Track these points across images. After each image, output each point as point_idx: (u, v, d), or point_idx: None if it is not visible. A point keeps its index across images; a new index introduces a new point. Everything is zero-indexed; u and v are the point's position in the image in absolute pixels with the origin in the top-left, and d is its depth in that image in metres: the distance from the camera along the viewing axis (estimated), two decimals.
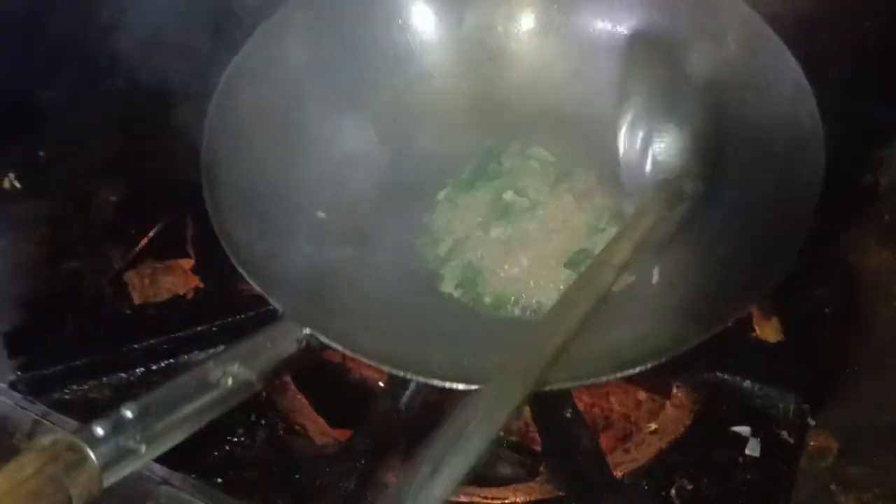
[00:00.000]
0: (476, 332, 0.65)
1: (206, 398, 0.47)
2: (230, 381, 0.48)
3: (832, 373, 0.66)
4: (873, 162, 0.81)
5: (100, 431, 0.42)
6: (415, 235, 0.72)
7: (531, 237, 0.70)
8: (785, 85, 0.64)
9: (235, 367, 0.48)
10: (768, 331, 0.68)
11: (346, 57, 0.74)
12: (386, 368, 0.54)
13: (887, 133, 0.82)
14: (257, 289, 0.54)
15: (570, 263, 0.68)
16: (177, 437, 0.46)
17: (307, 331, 0.52)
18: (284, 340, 0.51)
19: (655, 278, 0.66)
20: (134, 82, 0.71)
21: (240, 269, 0.55)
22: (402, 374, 0.53)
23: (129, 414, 0.43)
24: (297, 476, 0.61)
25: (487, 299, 0.68)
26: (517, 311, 0.67)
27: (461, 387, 0.52)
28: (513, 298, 0.67)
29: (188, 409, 0.46)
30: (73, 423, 0.58)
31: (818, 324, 0.69)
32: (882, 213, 0.79)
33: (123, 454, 0.42)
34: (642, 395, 0.77)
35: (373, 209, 0.71)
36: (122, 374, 0.65)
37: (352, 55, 0.74)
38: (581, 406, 0.71)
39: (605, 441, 0.67)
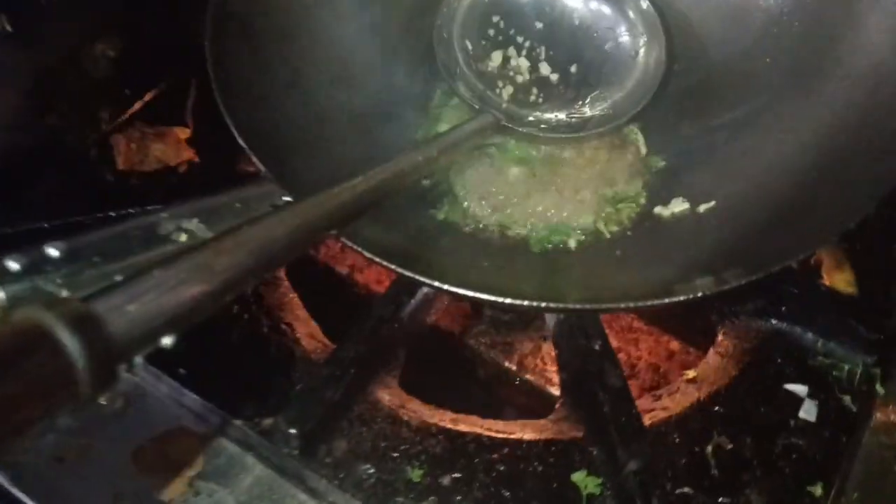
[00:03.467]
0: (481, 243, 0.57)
1: (150, 252, 0.38)
2: (183, 237, 0.39)
3: None
4: None
5: (13, 266, 0.34)
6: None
7: None
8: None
9: (193, 223, 0.40)
10: (839, 280, 0.59)
11: None
12: (375, 258, 0.45)
13: None
14: (242, 142, 0.46)
15: None
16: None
17: (287, 197, 0.43)
18: (259, 203, 0.43)
19: (706, 206, 0.56)
20: None
21: (235, 133, 0.47)
22: (404, 272, 0.45)
23: (53, 252, 0.35)
24: (273, 379, 0.53)
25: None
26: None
27: (469, 293, 0.43)
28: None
29: (128, 259, 0.37)
30: None
31: (894, 283, 0.60)
32: None
33: (39, 296, 0.34)
34: (675, 344, 0.68)
35: (377, 101, 0.62)
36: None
37: None
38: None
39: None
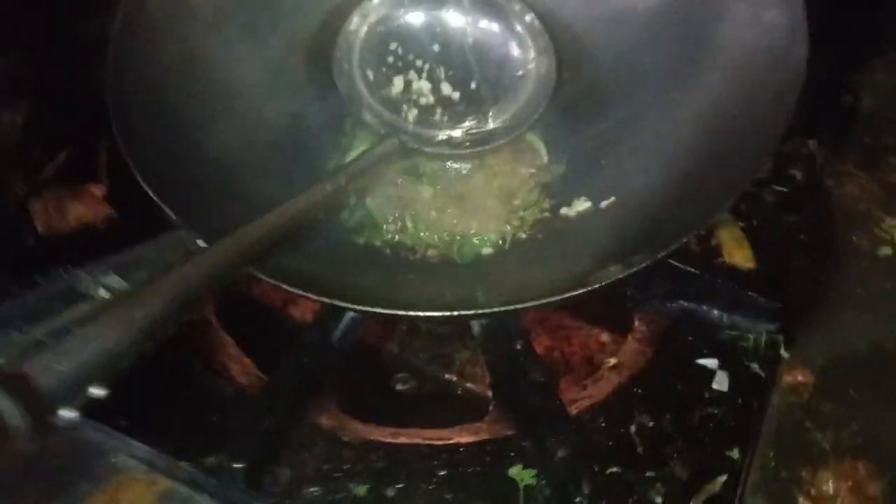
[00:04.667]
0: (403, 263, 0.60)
1: (73, 311, 0.40)
2: (103, 293, 0.41)
3: (806, 303, 0.61)
4: (853, 83, 0.76)
5: None
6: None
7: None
8: None
9: (112, 279, 0.41)
10: (740, 258, 0.63)
11: None
12: (308, 295, 0.47)
13: (867, 53, 0.77)
14: (149, 191, 0.48)
15: None
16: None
17: (201, 243, 0.45)
18: (174, 252, 0.44)
19: (607, 202, 0.60)
20: None
21: (134, 170, 0.49)
22: (326, 300, 0.47)
23: None
24: (212, 418, 0.54)
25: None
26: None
27: (388, 311, 0.46)
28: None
29: (51, 321, 0.39)
30: None
31: (792, 251, 0.64)
32: (862, 136, 0.73)
33: None
34: (605, 336, 0.71)
35: (286, 135, 0.64)
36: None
37: None
38: (540, 350, 0.66)
39: (564, 385, 0.61)
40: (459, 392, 0.68)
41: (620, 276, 0.46)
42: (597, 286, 0.46)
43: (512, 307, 0.47)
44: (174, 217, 0.47)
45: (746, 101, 0.56)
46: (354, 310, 0.47)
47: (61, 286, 0.42)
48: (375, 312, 0.47)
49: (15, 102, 0.68)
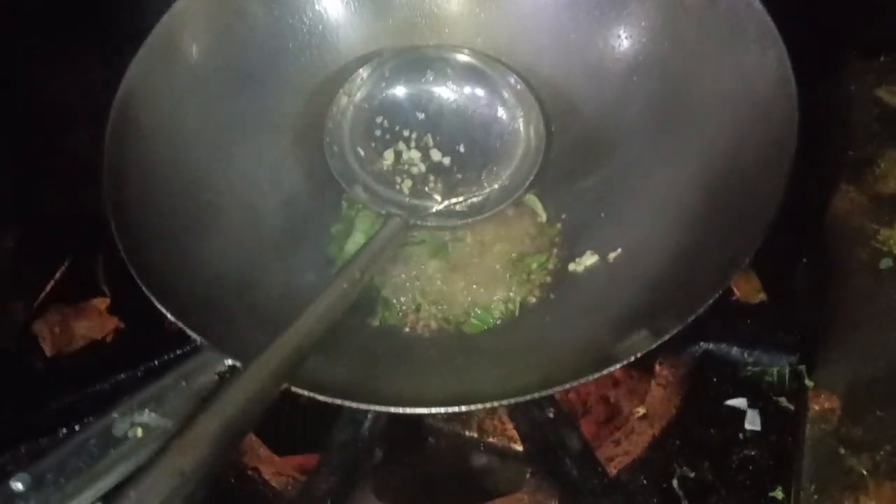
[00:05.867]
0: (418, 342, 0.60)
1: (112, 455, 0.39)
2: (139, 432, 0.40)
3: (820, 326, 0.62)
4: (829, 96, 0.77)
5: None
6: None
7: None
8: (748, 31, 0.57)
9: (146, 415, 0.41)
10: (748, 291, 0.63)
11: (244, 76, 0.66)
12: (332, 400, 0.46)
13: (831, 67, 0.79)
14: (171, 318, 0.47)
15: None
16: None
17: (228, 362, 0.45)
18: (203, 375, 0.44)
19: (614, 255, 0.60)
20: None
21: (153, 300, 0.48)
22: (357, 405, 0.46)
23: (19, 486, 0.36)
24: None
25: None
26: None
27: (420, 411, 0.45)
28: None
29: (92, 471, 0.38)
30: None
31: (798, 277, 0.65)
32: (844, 149, 0.75)
33: None
34: (619, 372, 0.71)
35: (286, 233, 0.64)
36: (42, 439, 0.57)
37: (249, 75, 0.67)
38: (556, 395, 0.65)
39: (586, 428, 0.61)
40: (481, 448, 0.68)
41: (652, 347, 0.46)
42: (630, 359, 0.46)
43: (543, 392, 0.47)
44: (202, 340, 0.47)
45: (743, 150, 0.56)
46: (387, 412, 0.47)
47: (96, 432, 0.42)
48: (409, 414, 0.47)
49: (2, 226, 0.66)
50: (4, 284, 0.65)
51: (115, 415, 0.42)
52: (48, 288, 0.67)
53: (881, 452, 0.55)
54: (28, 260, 0.67)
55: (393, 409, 0.46)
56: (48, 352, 0.64)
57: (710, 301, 0.47)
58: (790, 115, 0.53)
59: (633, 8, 0.65)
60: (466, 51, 0.70)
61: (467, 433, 0.67)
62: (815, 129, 0.75)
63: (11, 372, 0.63)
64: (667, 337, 0.46)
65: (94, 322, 0.64)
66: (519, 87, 0.68)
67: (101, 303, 0.66)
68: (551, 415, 0.55)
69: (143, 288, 0.48)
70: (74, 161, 0.60)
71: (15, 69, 0.64)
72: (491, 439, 0.67)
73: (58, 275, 0.68)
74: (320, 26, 0.69)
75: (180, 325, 0.47)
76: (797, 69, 0.80)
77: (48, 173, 0.68)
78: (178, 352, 0.58)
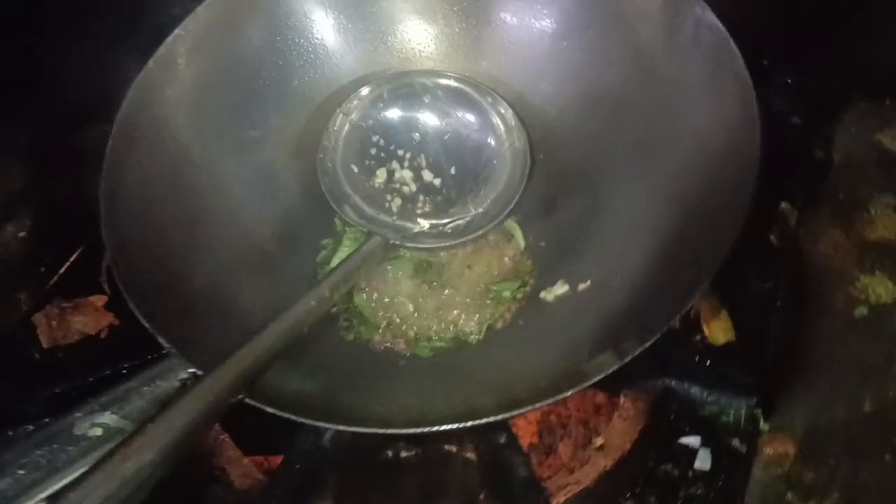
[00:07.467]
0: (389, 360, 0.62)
1: (70, 453, 0.43)
2: (98, 432, 0.44)
3: (784, 370, 0.62)
4: (823, 137, 0.77)
5: None
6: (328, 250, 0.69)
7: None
8: (724, 76, 0.59)
9: (106, 416, 0.44)
10: (717, 331, 0.64)
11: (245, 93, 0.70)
12: (283, 415, 0.49)
13: (835, 108, 0.79)
14: (141, 319, 0.50)
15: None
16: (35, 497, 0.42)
17: (190, 370, 0.48)
18: (166, 381, 0.47)
19: (583, 286, 0.62)
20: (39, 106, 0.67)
21: (131, 306, 0.52)
22: (314, 422, 0.49)
23: None
24: None
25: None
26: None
27: (390, 431, 0.48)
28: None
29: (49, 466, 0.42)
30: None
31: (769, 318, 0.65)
32: (836, 191, 0.75)
33: None
34: (601, 397, 0.73)
35: (276, 247, 0.67)
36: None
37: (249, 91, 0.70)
38: (538, 414, 0.67)
39: (563, 449, 0.63)
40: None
41: (615, 368, 0.48)
42: (591, 381, 0.48)
43: (500, 416, 0.49)
44: (167, 345, 0.50)
45: (709, 184, 0.58)
46: (350, 431, 0.50)
47: (58, 430, 0.45)
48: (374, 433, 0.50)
49: (17, 216, 0.70)
50: (15, 273, 0.69)
51: (77, 413, 0.46)
52: (53, 280, 0.71)
53: (830, 499, 0.56)
54: (39, 251, 0.70)
55: (344, 428, 0.48)
56: (44, 343, 0.67)
57: (665, 327, 0.49)
58: (752, 158, 0.54)
59: (626, 45, 0.66)
60: (462, 78, 0.72)
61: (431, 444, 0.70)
62: (809, 168, 0.76)
63: (11, 359, 0.67)
64: (628, 359, 0.48)
65: (90, 318, 0.68)
66: (509, 115, 0.70)
67: (99, 300, 0.69)
68: (503, 440, 0.57)
69: (121, 288, 0.51)
70: (89, 158, 0.63)
71: (33, 68, 0.68)
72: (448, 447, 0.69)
73: (63, 269, 0.72)
74: (321, 49, 0.72)
75: (149, 327, 0.50)
76: (802, 107, 0.81)
77: (64, 169, 0.71)
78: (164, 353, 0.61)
